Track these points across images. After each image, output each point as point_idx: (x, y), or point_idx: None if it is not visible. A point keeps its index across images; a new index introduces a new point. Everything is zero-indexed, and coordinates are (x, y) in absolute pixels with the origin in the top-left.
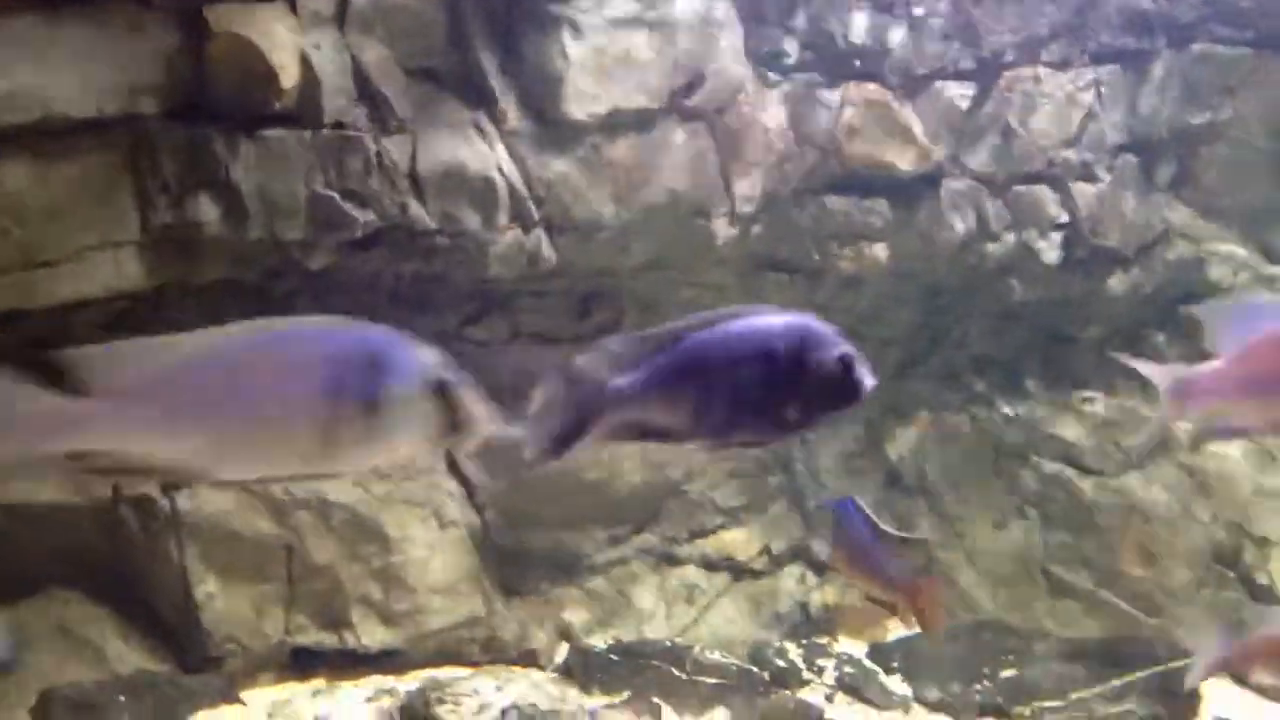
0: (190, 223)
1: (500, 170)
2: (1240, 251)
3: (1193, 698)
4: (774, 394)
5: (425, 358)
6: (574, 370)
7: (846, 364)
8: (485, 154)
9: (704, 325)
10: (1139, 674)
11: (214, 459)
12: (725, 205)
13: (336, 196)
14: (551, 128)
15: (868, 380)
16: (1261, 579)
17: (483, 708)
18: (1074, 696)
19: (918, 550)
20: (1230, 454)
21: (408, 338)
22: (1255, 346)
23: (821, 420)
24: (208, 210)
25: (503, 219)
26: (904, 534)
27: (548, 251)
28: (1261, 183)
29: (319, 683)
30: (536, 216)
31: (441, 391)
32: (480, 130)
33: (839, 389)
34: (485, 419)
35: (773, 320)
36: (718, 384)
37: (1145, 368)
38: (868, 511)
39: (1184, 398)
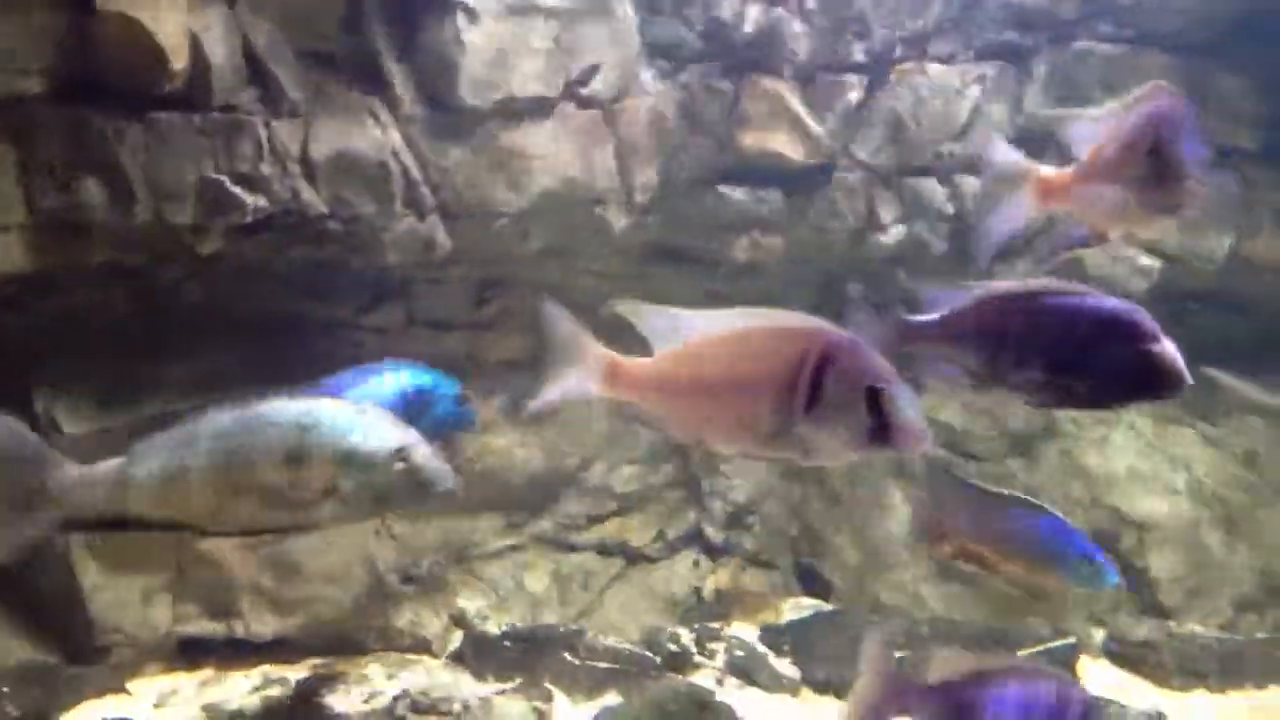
0: (76, 206)
1: (395, 156)
2: (1118, 243)
3: (1071, 675)
4: (1070, 366)
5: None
6: (881, 303)
7: (1154, 361)
8: (380, 139)
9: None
10: (1020, 654)
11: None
12: (621, 194)
13: (226, 180)
14: (447, 114)
15: (1180, 379)
16: (1139, 562)
17: (373, 695)
18: None
19: None
20: (1110, 439)
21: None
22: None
23: (1115, 403)
24: (94, 194)
25: (398, 205)
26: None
27: (443, 238)
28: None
29: (207, 672)
30: (432, 203)
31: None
32: (375, 116)
33: (1140, 382)
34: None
35: (1095, 300)
36: (1017, 341)
37: (1005, 152)
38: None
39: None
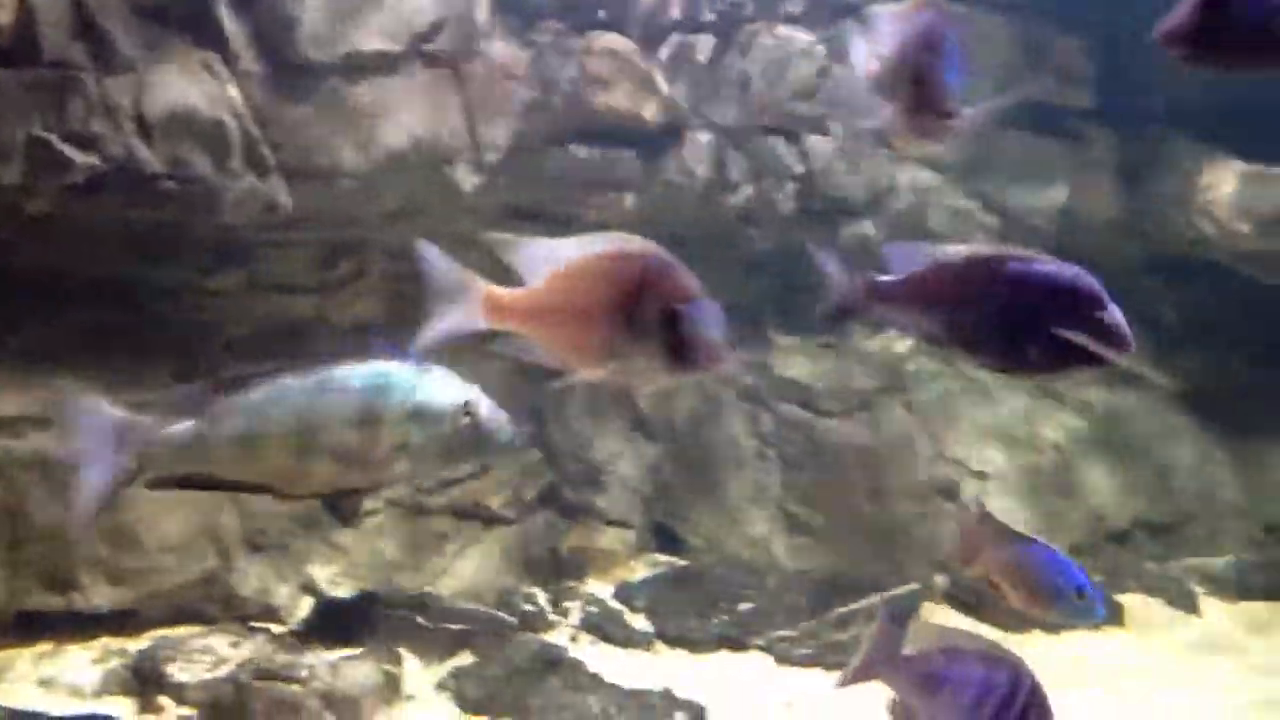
0: None
1: (233, 113)
2: (961, 202)
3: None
4: (1025, 329)
5: None
6: (848, 261)
7: (1102, 327)
8: (217, 96)
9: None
10: (864, 601)
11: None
12: (470, 153)
13: (55, 139)
14: (288, 70)
15: (1126, 344)
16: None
17: (217, 664)
18: (804, 625)
19: None
20: (952, 392)
21: None
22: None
23: (1065, 367)
24: None
25: (236, 164)
26: None
27: (286, 199)
28: (980, 137)
29: (45, 646)
30: (273, 162)
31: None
32: (211, 71)
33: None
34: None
35: (1047, 266)
36: (974, 302)
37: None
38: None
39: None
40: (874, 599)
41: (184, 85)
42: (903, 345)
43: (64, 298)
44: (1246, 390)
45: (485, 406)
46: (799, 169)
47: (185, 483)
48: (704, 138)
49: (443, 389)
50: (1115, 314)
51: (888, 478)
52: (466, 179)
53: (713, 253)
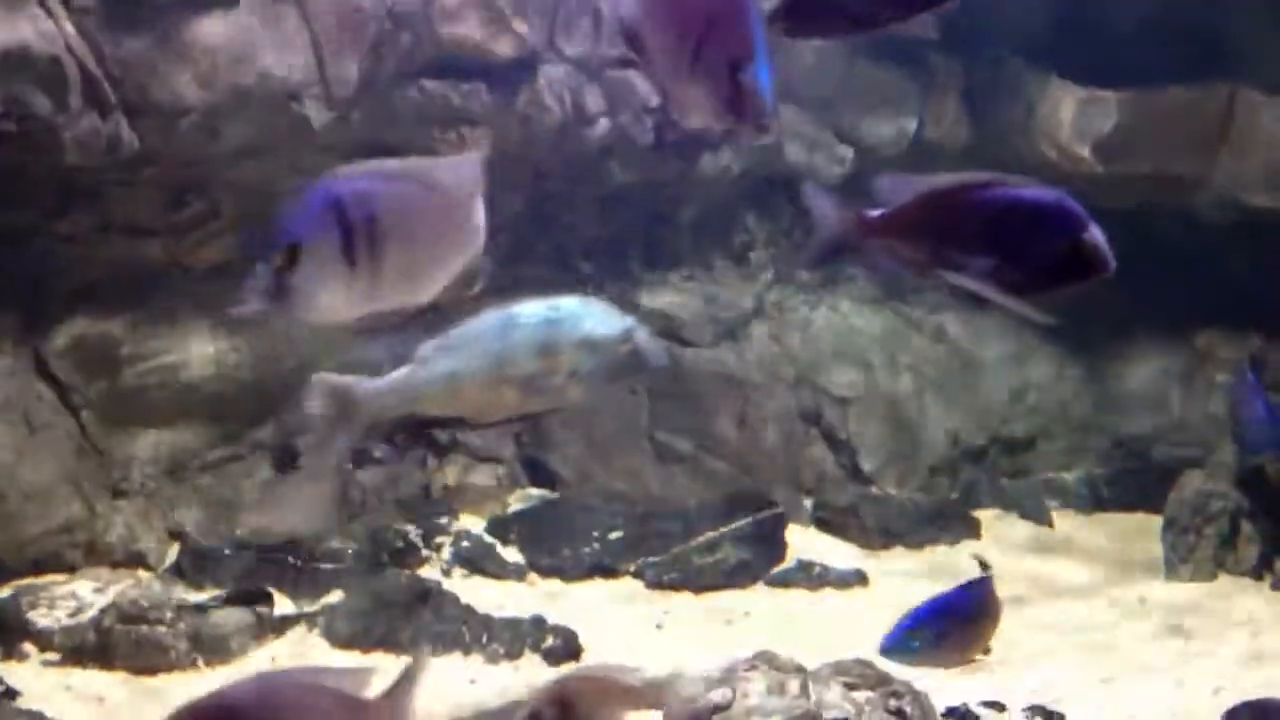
0: None
1: (69, 49)
2: (815, 133)
3: (780, 544)
4: (1010, 255)
5: None
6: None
7: (1084, 249)
8: (51, 31)
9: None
10: (731, 525)
11: None
12: (319, 88)
13: None
14: (125, 5)
15: (1107, 265)
16: (841, 433)
17: (80, 609)
18: (675, 550)
19: None
20: (813, 320)
21: None
22: None
23: (1048, 288)
24: None
25: (75, 102)
26: None
27: (130, 137)
28: (833, 70)
29: None
30: (114, 100)
31: None
32: (45, 7)
33: (1071, 269)
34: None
35: (1032, 191)
36: (960, 230)
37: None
38: None
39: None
40: (741, 522)
41: (15, 21)
42: (765, 275)
43: None
44: (1096, 309)
45: (642, 334)
46: (654, 101)
47: (397, 427)
48: (558, 71)
49: (607, 320)
50: (1096, 234)
51: (753, 406)
52: (317, 115)
53: (574, 187)
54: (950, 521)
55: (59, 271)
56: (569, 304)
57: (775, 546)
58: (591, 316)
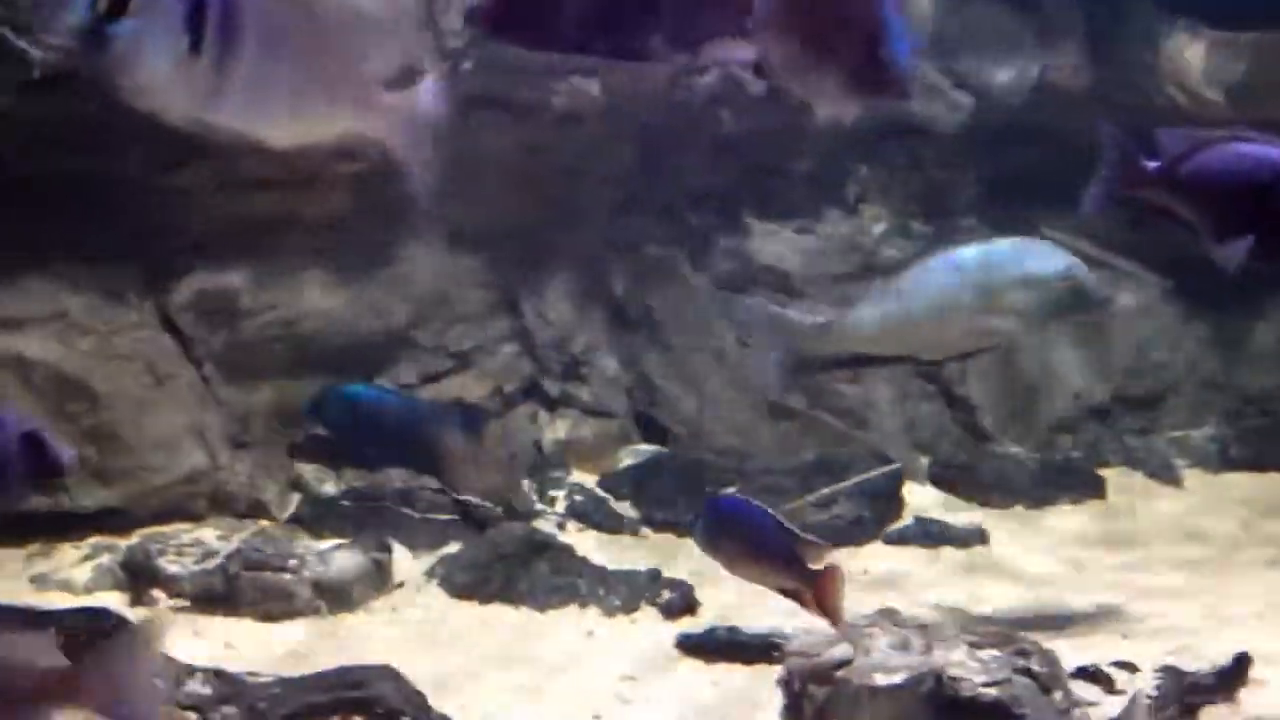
0: None
1: None
2: (931, 79)
3: (897, 501)
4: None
5: None
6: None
7: None
8: None
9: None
10: (846, 482)
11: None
12: (431, 40)
13: (8, 32)
14: None
15: None
16: (958, 390)
17: (207, 556)
18: (788, 506)
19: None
20: None
21: None
22: None
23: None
24: None
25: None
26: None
27: None
28: (949, 14)
29: (35, 546)
30: None
31: None
32: None
33: None
34: None
35: None
36: (1235, 195)
37: None
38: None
39: None
40: (857, 478)
41: None
42: (879, 227)
43: (23, 193)
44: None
45: (1082, 271)
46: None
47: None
48: None
49: (1047, 258)
50: None
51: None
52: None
53: (683, 137)
54: (1073, 480)
55: (180, 225)
56: (1009, 244)
57: (892, 503)
58: (1032, 255)
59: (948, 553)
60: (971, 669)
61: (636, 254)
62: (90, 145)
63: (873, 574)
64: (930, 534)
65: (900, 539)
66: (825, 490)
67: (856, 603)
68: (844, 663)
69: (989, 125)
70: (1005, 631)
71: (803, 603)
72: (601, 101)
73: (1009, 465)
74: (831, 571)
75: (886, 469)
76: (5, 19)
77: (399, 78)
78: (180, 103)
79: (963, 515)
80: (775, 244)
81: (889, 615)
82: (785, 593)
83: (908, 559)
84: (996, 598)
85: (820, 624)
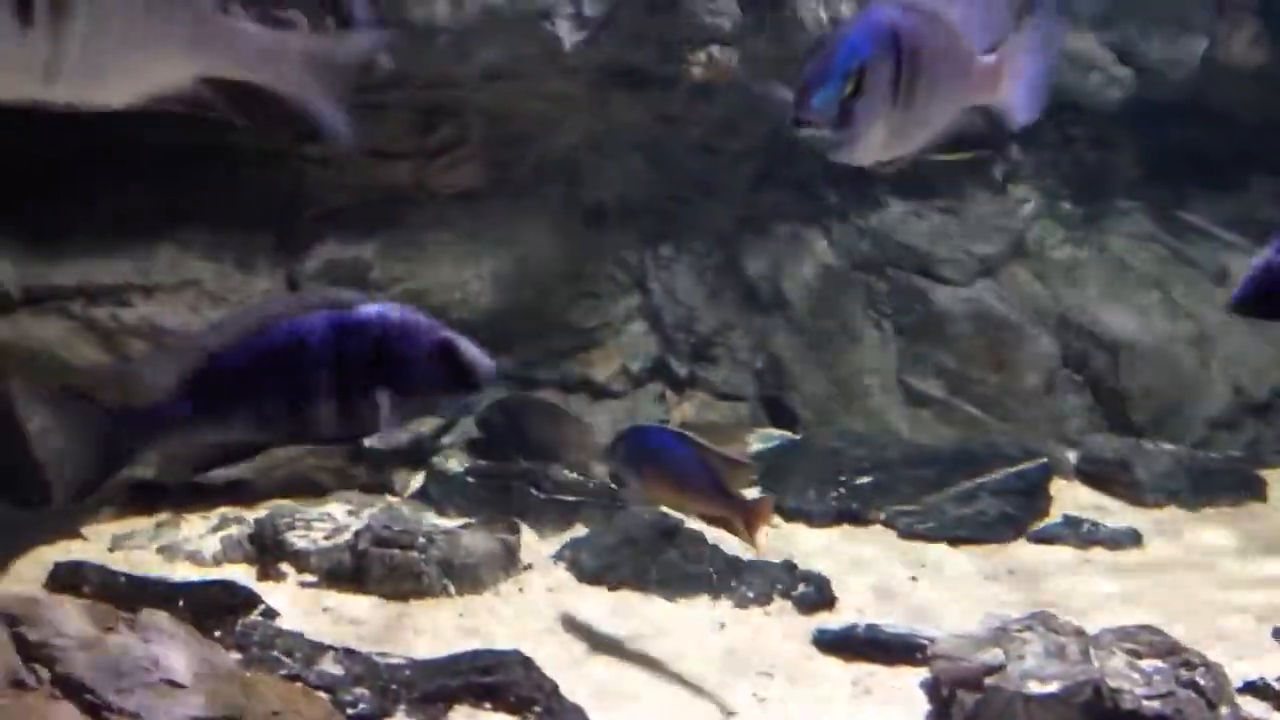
0: None
1: None
2: (1091, 52)
3: (1044, 497)
4: None
5: None
6: None
7: None
8: None
9: None
10: (990, 476)
11: None
12: (571, 6)
13: None
14: None
15: None
16: (1110, 381)
17: (335, 531)
18: (928, 500)
19: (743, 472)
20: (1080, 259)
21: None
22: None
23: None
24: None
25: (329, 20)
26: (727, 454)
27: (383, 58)
28: None
29: (163, 515)
30: (366, 18)
31: None
32: None
33: None
34: None
35: None
36: None
37: None
38: (686, 434)
39: None
40: (1001, 474)
41: None
42: (1027, 209)
43: (157, 164)
44: None
45: None
46: None
47: None
48: None
49: None
50: None
51: (1012, 348)
52: (568, 35)
53: None
54: (1230, 481)
55: (311, 195)
56: None
57: (1039, 500)
58: None
59: (1098, 554)
60: (1132, 680)
61: (770, 232)
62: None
63: (1019, 574)
64: (1080, 533)
65: (1047, 538)
66: (967, 484)
67: (1003, 604)
68: (995, 668)
69: (1149, 101)
70: (1167, 641)
71: (732, 530)
72: (739, 72)
73: (1163, 463)
74: (764, 501)
75: (1033, 463)
76: None
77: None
78: (19, 80)
79: (1114, 515)
80: (915, 223)
81: (1042, 619)
82: (713, 520)
83: (1055, 559)
84: (1153, 604)
85: (969, 627)
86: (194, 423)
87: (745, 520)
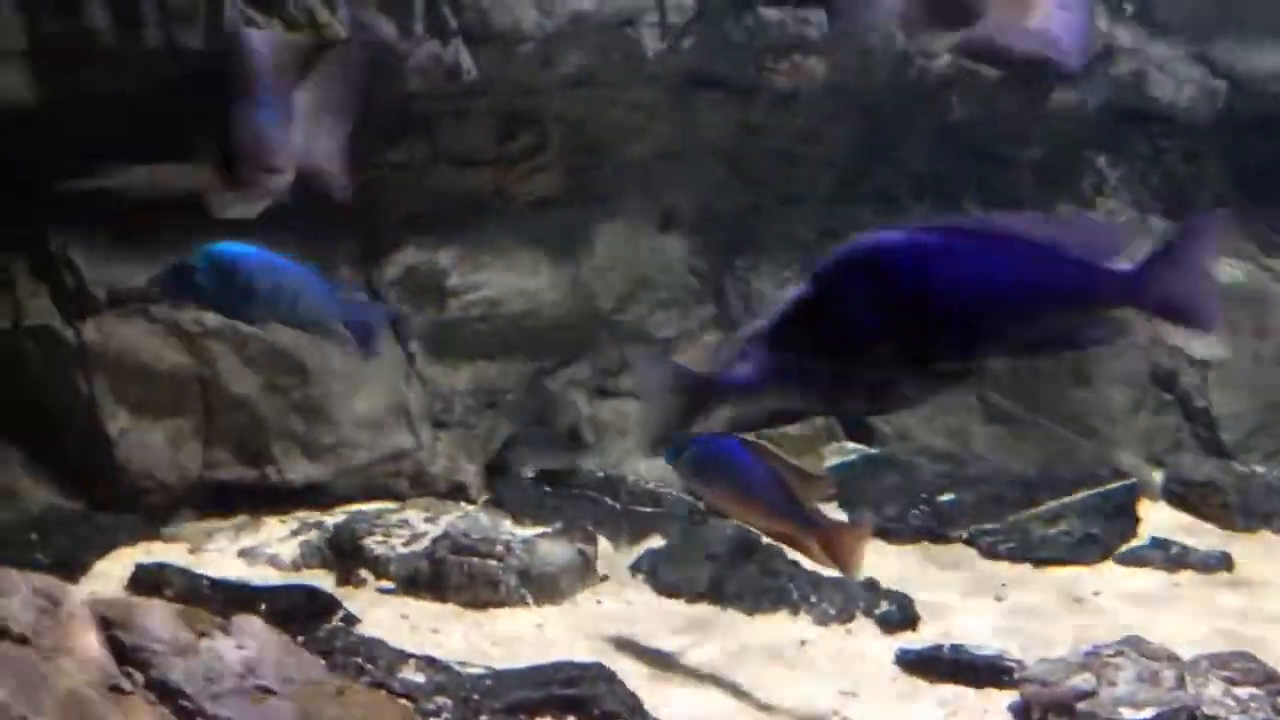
0: (80, 30)
1: None
2: (1184, 64)
3: (1132, 518)
4: None
5: None
6: None
7: None
8: None
9: None
10: (1076, 496)
11: None
12: (655, 14)
13: (241, 4)
14: None
15: None
16: (1200, 401)
17: (413, 538)
18: (1011, 519)
19: (817, 486)
20: None
21: None
22: None
23: None
24: (98, 17)
25: (419, 28)
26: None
27: (469, 64)
28: None
29: (242, 518)
30: (455, 25)
31: None
32: None
33: None
34: None
35: None
36: None
37: None
38: (757, 443)
39: None
40: (1088, 492)
41: None
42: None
43: None
44: None
45: None
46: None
47: None
48: None
49: None
50: None
51: (1099, 365)
52: (651, 43)
53: (908, 121)
54: None
55: (391, 200)
56: None
57: (1126, 521)
58: None
59: (1188, 577)
60: (1228, 707)
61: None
62: None
63: (1106, 597)
64: (1169, 556)
65: (1135, 560)
66: (1053, 503)
67: (1090, 627)
68: (1087, 693)
69: (1242, 114)
70: (1263, 668)
71: (802, 550)
72: (824, 81)
73: (1254, 485)
74: (859, 530)
75: (1120, 484)
76: None
77: None
78: None
79: (1203, 537)
80: None
81: (1134, 644)
82: (782, 539)
83: (1144, 582)
84: (1245, 629)
85: (1058, 650)
86: (757, 391)
87: (823, 541)
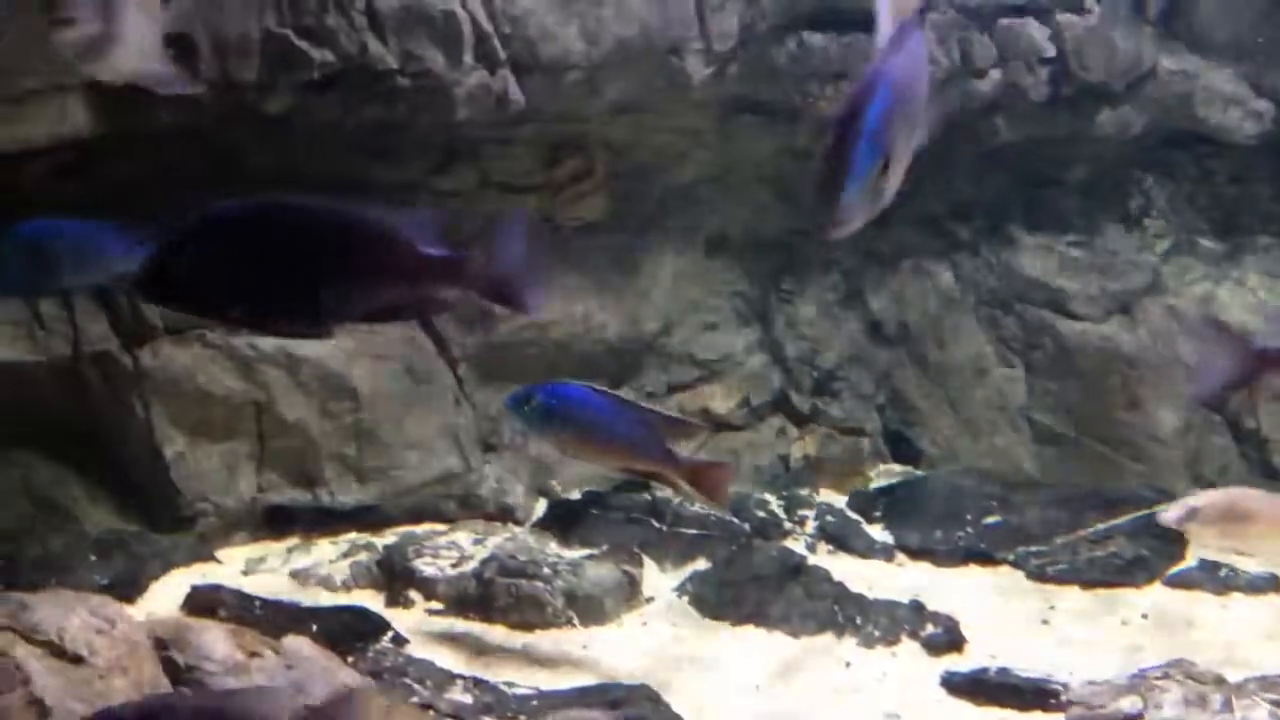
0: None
1: (464, 4)
2: (1228, 85)
3: (1180, 541)
4: None
5: None
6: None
7: None
8: None
9: None
10: (1124, 518)
11: None
12: (700, 41)
13: (291, 34)
14: None
15: None
16: (1249, 422)
17: (462, 560)
18: (1059, 540)
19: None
20: (1216, 295)
21: None
22: None
23: None
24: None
25: (468, 58)
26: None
27: (516, 93)
28: (1253, 16)
29: (294, 540)
30: (503, 55)
31: None
32: None
33: None
34: None
35: None
36: None
37: None
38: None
39: None
40: (1136, 515)
41: None
42: (1163, 244)
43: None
44: None
45: None
46: (1050, 51)
47: None
48: (946, 18)
49: None
50: None
51: (1147, 387)
52: (696, 69)
53: (952, 144)
54: None
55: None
56: None
57: (1175, 543)
58: None
59: (1237, 599)
60: None
61: (895, 265)
62: (365, 147)
63: (1154, 619)
64: (1218, 578)
65: (1183, 582)
66: (1101, 525)
67: (1138, 649)
68: (1133, 716)
69: None
70: None
71: (672, 486)
72: None
73: None
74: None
75: (1164, 506)
76: (287, 22)
77: None
78: None
79: (1252, 560)
80: (1045, 259)
81: (1181, 666)
82: (649, 478)
83: (1192, 604)
84: None
85: (1105, 673)
86: None
87: (691, 477)
